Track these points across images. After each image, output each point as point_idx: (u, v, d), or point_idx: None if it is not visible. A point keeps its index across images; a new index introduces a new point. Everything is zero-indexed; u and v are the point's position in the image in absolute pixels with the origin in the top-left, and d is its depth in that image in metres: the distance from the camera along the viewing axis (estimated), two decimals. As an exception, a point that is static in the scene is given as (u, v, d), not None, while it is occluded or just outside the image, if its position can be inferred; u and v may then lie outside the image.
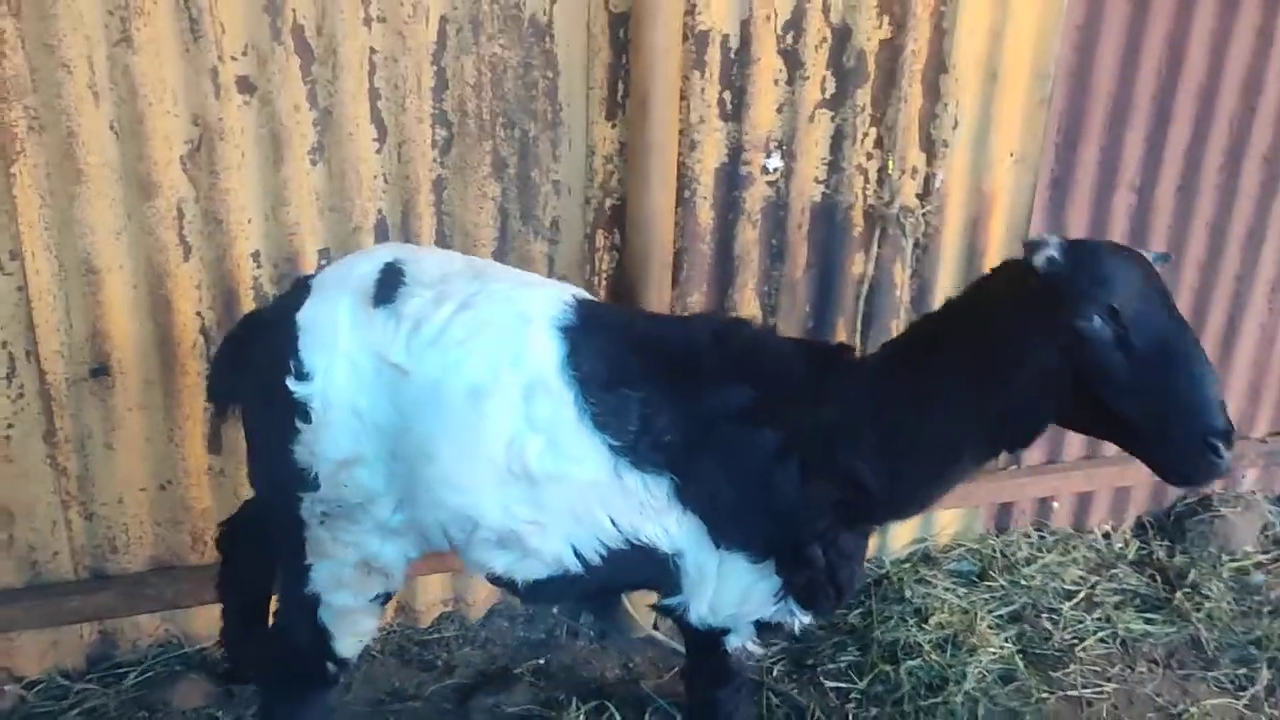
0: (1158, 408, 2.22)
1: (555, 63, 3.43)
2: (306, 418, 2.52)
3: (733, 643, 2.83)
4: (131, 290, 3.27)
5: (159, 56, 3.08)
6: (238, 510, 3.30)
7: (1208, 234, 4.41)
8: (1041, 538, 4.62)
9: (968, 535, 4.53)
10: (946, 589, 4.21)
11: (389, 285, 2.57)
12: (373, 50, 3.26)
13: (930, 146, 3.88)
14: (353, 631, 2.77)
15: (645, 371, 2.53)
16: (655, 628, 3.92)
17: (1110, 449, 4.60)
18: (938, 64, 3.79)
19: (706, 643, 2.87)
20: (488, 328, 2.52)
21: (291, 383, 2.51)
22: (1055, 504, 4.63)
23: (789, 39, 3.61)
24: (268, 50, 3.16)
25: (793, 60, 3.63)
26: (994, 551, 4.44)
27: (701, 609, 2.69)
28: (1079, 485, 4.54)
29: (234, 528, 3.26)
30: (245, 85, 3.19)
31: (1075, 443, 4.55)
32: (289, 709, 2.93)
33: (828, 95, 3.72)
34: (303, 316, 2.57)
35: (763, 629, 2.82)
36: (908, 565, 4.36)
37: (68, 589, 3.47)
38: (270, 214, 3.31)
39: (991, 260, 4.09)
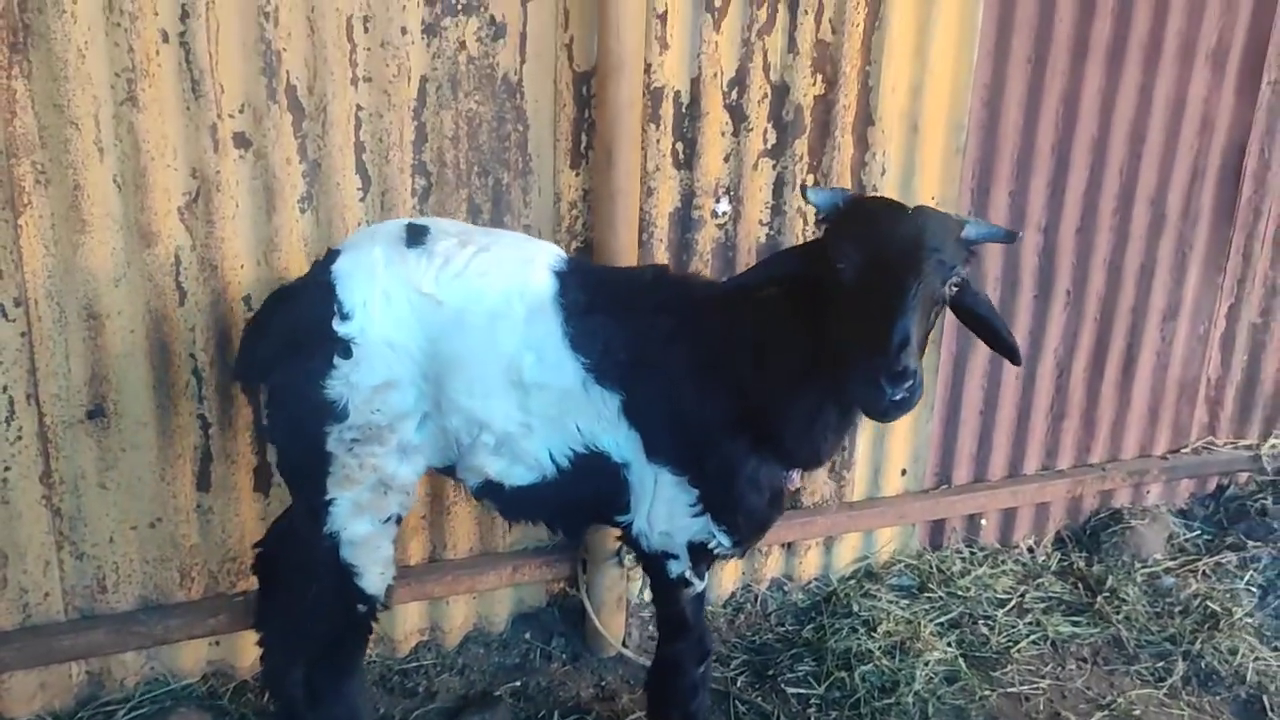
0: (851, 342, 2.53)
1: (525, 117, 3.74)
2: (347, 353, 2.89)
3: (673, 568, 3.17)
4: (129, 335, 3.43)
5: (162, 115, 3.29)
6: (269, 531, 3.50)
7: (1105, 270, 4.88)
8: (972, 553, 4.97)
9: (905, 552, 4.86)
10: (890, 601, 4.52)
11: (417, 234, 3.02)
12: (359, 107, 3.52)
13: (861, 191, 4.27)
14: (374, 560, 3.07)
15: (608, 304, 3.00)
16: (624, 645, 4.15)
17: (1030, 466, 5.01)
18: (866, 117, 4.20)
19: (657, 573, 3.22)
20: (502, 265, 3.00)
21: (336, 323, 2.87)
22: (983, 521, 4.99)
23: (734, 95, 3.98)
24: (263, 108, 3.40)
25: (738, 114, 4.00)
26: (930, 566, 4.78)
27: (641, 522, 3.10)
28: (1004, 502, 4.91)
29: (269, 549, 3.46)
30: (241, 140, 3.41)
31: (999, 462, 4.94)
32: (327, 673, 3.14)
33: (769, 145, 4.09)
34: (338, 267, 2.97)
35: (696, 554, 3.15)
36: (853, 582, 4.67)
37: (58, 629, 3.55)
38: (262, 259, 3.52)
39: (919, 295, 4.48)
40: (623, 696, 3.95)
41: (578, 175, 3.84)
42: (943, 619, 4.47)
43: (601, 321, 2.97)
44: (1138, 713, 4.02)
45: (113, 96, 3.24)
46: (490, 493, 3.14)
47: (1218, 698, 4.16)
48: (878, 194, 4.15)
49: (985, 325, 2.90)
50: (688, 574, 3.20)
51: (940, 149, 4.36)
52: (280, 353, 2.96)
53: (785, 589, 4.63)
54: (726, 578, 4.54)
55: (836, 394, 2.84)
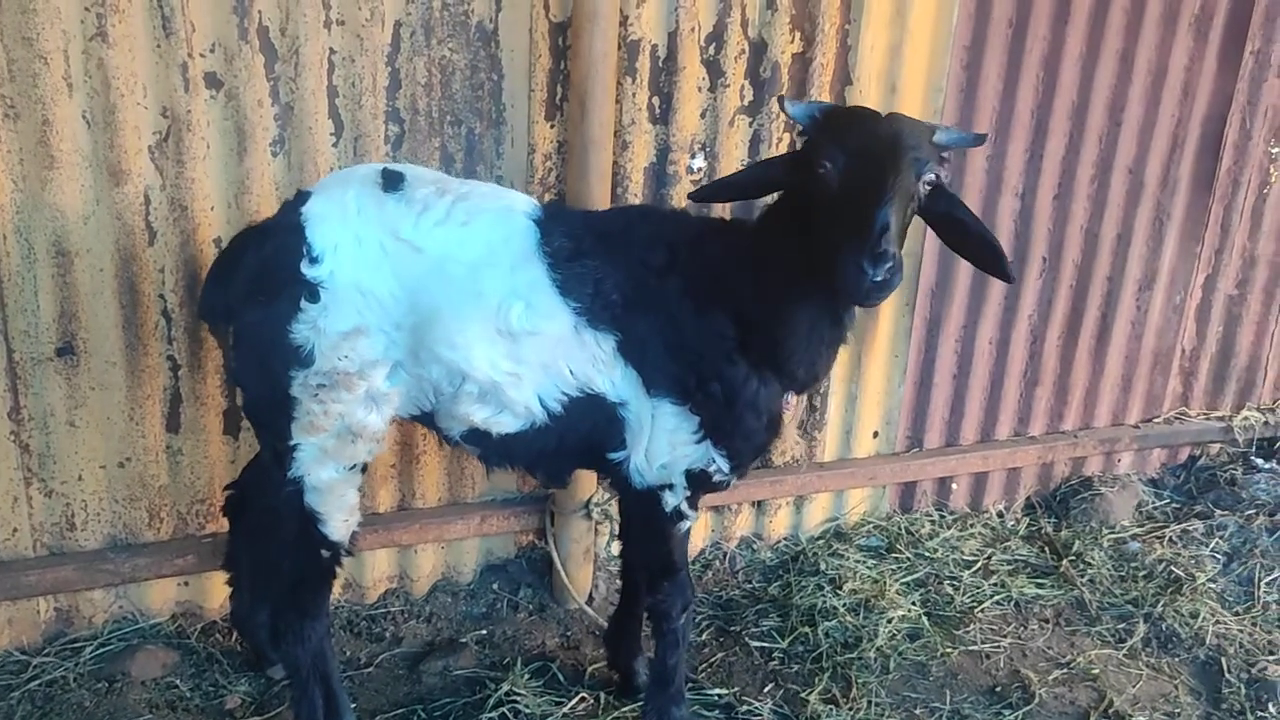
0: (836, 233, 2.63)
1: (500, 66, 3.73)
2: (314, 297, 2.86)
3: (669, 500, 3.18)
4: (98, 273, 3.44)
5: (132, 51, 3.29)
6: (241, 473, 3.53)
7: (1082, 238, 4.89)
8: (942, 516, 5.01)
9: (875, 514, 4.90)
10: (858, 561, 4.56)
11: (394, 180, 3.00)
12: (332, 51, 3.51)
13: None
14: (338, 507, 3.07)
15: (595, 247, 3.01)
16: (590, 601, 4.19)
17: (1002, 432, 5.04)
18: (843, 76, 4.20)
19: (650, 509, 3.21)
20: (483, 214, 2.99)
21: (304, 266, 2.85)
22: (954, 484, 5.03)
23: (711, 50, 3.97)
24: (235, 48, 3.39)
25: (715, 70, 4.00)
26: (899, 528, 4.82)
27: (639, 458, 3.12)
28: (975, 466, 4.95)
29: (240, 491, 3.49)
30: (213, 81, 3.41)
31: (971, 427, 4.97)
32: (292, 615, 3.14)
33: (746, 102, 4.09)
34: (309, 210, 2.94)
35: (694, 484, 3.18)
36: (821, 541, 4.71)
37: (26, 565, 3.59)
38: (233, 202, 3.53)
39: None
40: (587, 647, 3.99)
41: (552, 127, 3.84)
42: (909, 579, 4.51)
43: (591, 265, 2.99)
44: (1096, 671, 4.06)
45: (82, 31, 3.23)
46: (476, 440, 3.14)
47: (1176, 659, 4.21)
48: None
49: (965, 231, 2.94)
50: (683, 506, 3.22)
51: (918, 111, 4.35)
52: (246, 294, 2.94)
53: (754, 547, 4.67)
54: (696, 535, 4.57)
55: (828, 303, 2.93)
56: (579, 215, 3.22)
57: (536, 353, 2.97)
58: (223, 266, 3.05)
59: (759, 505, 4.66)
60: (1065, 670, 4.08)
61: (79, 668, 3.62)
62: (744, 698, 3.76)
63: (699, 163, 4.07)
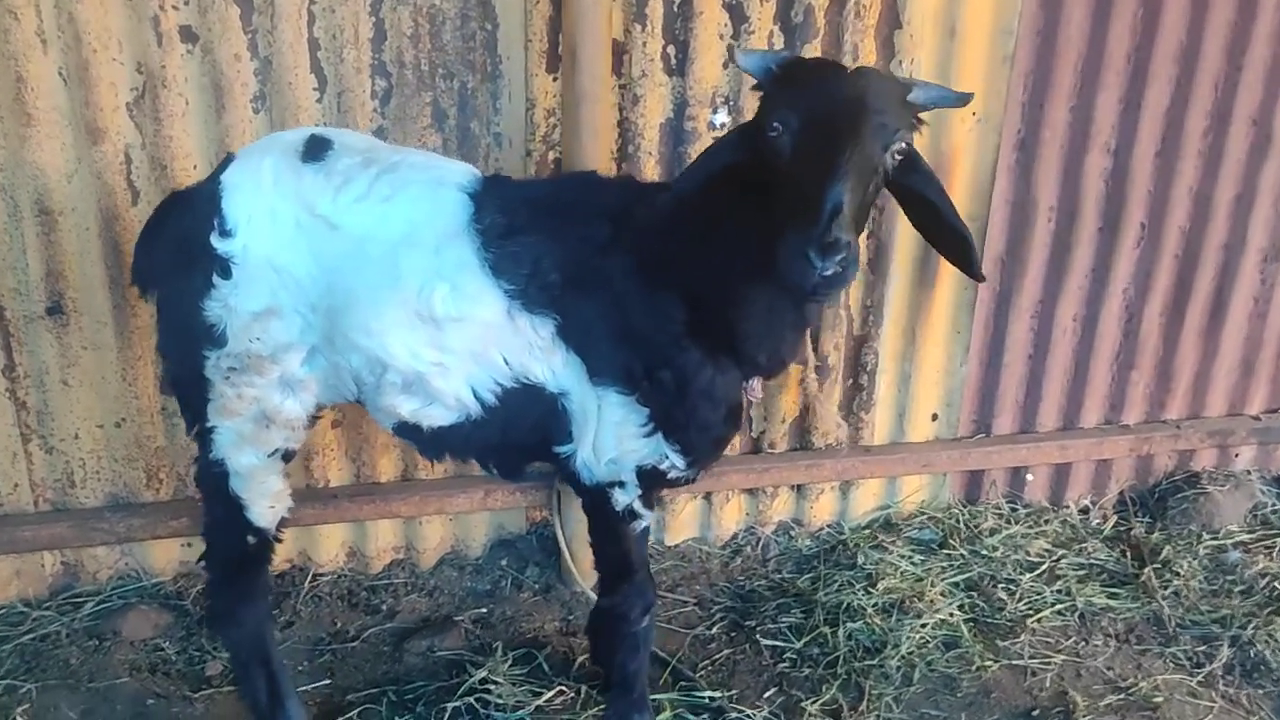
0: (782, 214, 2.29)
1: (494, 14, 3.47)
2: (226, 272, 2.69)
3: (620, 499, 2.91)
4: (83, 232, 3.41)
5: (103, 4, 3.20)
6: None
7: (1191, 200, 4.26)
8: (1013, 509, 4.52)
9: (934, 504, 4.46)
10: (902, 556, 4.16)
11: (317, 148, 2.78)
12: (311, 1, 3.34)
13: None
14: (261, 494, 2.92)
15: (532, 222, 2.72)
16: (595, 586, 3.96)
17: (1089, 419, 4.51)
18: (891, 19, 3.74)
19: (601, 507, 2.96)
20: (409, 188, 2.74)
21: (215, 239, 2.68)
22: (1029, 475, 4.53)
23: (733, -7, 3.61)
24: (208, 1, 3.26)
25: (738, 14, 3.61)
26: (958, 521, 4.37)
27: (586, 451, 2.85)
28: (1052, 456, 4.44)
29: None
30: (187, 34, 3.29)
31: (1050, 412, 4.45)
32: (225, 598, 3.04)
33: (775, 46, 3.69)
34: (228, 176, 2.75)
35: (646, 482, 2.90)
36: (866, 532, 4.33)
37: (26, 520, 3.63)
38: (214, 160, 3.40)
39: (952, 222, 4.03)
40: (585, 634, 3.77)
41: (555, 80, 3.56)
42: (957, 579, 4.08)
43: (527, 242, 2.70)
44: (1159, 700, 3.57)
45: (52, -15, 3.17)
46: (408, 433, 2.94)
47: (1260, 691, 3.65)
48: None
49: (935, 215, 2.58)
50: (636, 505, 2.95)
51: (983, 57, 3.86)
52: (166, 263, 2.80)
53: (792, 534, 4.33)
54: (729, 518, 4.28)
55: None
56: (520, 186, 2.92)
57: (464, 340, 2.72)
58: (149, 232, 2.90)
59: (799, 489, 4.31)
60: (1122, 696, 3.59)
61: (76, 623, 3.67)
62: (738, 703, 3.47)
63: (721, 118, 3.72)
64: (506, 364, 2.75)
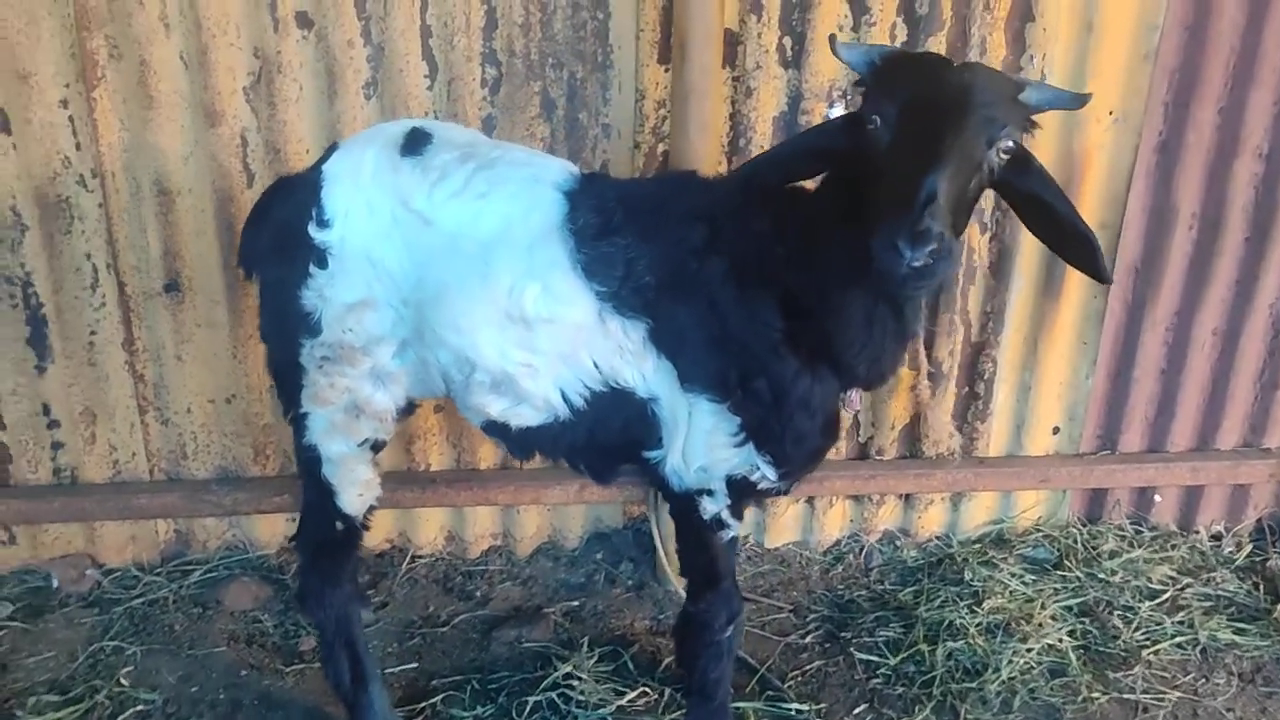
0: (877, 203, 2.18)
1: (606, 3, 3.41)
2: (323, 263, 2.71)
3: (709, 507, 2.84)
4: (199, 213, 3.50)
5: (222, -10, 3.27)
6: None
7: (1355, 211, 3.94)
8: (1138, 532, 4.27)
9: (1051, 521, 4.25)
10: (1013, 574, 3.97)
11: (417, 141, 2.76)
12: (424, -12, 3.34)
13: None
14: (351, 481, 2.93)
15: (627, 223, 2.64)
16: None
17: (1226, 441, 4.22)
18: (1023, 11, 3.53)
19: (689, 514, 2.89)
20: (505, 185, 2.70)
21: (312, 229, 2.70)
22: (1157, 497, 4.27)
23: (855, -18, 3.46)
24: (324, -14, 3.30)
25: (858, 5, 3.47)
26: (1075, 541, 4.15)
27: (675, 458, 2.77)
28: (1182, 478, 4.17)
29: None
30: (303, 20, 3.33)
31: (1182, 431, 4.18)
32: (314, 580, 3.08)
33: (898, 43, 3.54)
34: (328, 167, 2.77)
35: (736, 492, 2.82)
36: (977, 546, 4.14)
37: (140, 488, 3.77)
38: (326, 146, 3.42)
39: (1082, 227, 3.81)
40: (677, 633, 3.72)
41: (666, 71, 3.48)
42: (1070, 602, 3.86)
43: (621, 243, 2.63)
44: (1284, 750, 3.33)
45: (174, -29, 3.24)
46: (496, 431, 2.91)
47: (1399, 749, 3.38)
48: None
49: (1053, 216, 2.40)
50: (724, 514, 2.87)
51: (1123, 53, 3.61)
52: (268, 249, 2.83)
53: (898, 544, 4.18)
54: (832, 523, 4.16)
55: (889, 294, 2.48)
56: (618, 185, 2.83)
57: (554, 342, 2.67)
58: (255, 216, 2.94)
59: (907, 498, 4.16)
60: (1242, 741, 3.37)
61: (183, 590, 3.80)
62: (825, 717, 3.36)
63: (838, 111, 3.57)
64: (596, 367, 2.69)
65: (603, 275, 2.62)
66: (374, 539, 3.99)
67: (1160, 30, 3.60)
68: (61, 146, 3.37)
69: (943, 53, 3.51)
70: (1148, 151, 3.76)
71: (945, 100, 2.19)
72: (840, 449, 4.02)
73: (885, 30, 3.51)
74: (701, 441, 2.72)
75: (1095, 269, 2.41)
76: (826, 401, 2.68)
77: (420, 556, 4.02)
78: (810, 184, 2.58)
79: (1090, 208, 3.78)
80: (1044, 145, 3.66)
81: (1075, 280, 3.87)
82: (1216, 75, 3.69)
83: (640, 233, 2.64)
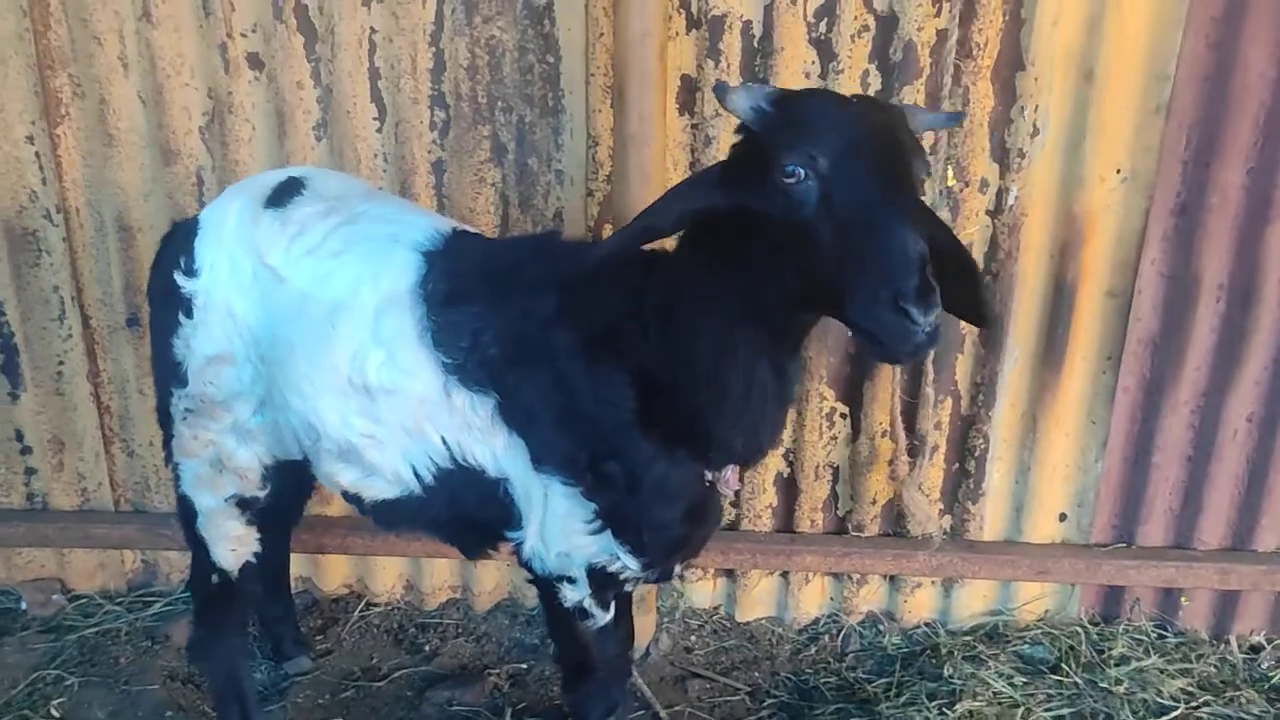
0: (850, 269, 1.91)
1: (556, 47, 3.29)
2: (190, 312, 2.66)
3: (570, 595, 2.65)
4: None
5: (176, 31, 3.30)
6: None
7: None
8: (1160, 637, 3.81)
9: (1057, 618, 3.84)
10: (1000, 674, 3.58)
11: (285, 193, 2.70)
12: (371, 30, 3.29)
13: (1004, 157, 3.32)
14: (222, 536, 2.87)
15: (477, 290, 2.49)
16: (645, 657, 3.68)
17: (1265, 541, 3.74)
18: (1013, 59, 3.23)
19: (551, 601, 2.71)
20: (360, 244, 2.58)
21: (180, 277, 2.66)
22: (1185, 599, 3.81)
23: (822, 27, 3.22)
24: (272, 28, 3.28)
25: (826, 51, 3.24)
26: (1080, 642, 3.73)
27: (535, 542, 2.59)
28: (1210, 580, 3.70)
29: None
30: (254, 61, 3.33)
31: (1212, 528, 3.72)
32: (203, 629, 3.05)
33: (871, 91, 3.28)
34: (204, 215, 2.73)
35: (598, 580, 2.61)
36: (967, 639, 3.77)
37: (101, 518, 3.82)
38: (277, 186, 3.44)
39: (1084, 294, 3.44)
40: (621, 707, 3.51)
41: (622, 116, 3.33)
42: (1062, 711, 3.46)
43: (470, 311, 2.47)
44: None
45: (132, 11, 3.29)
46: (354, 501, 2.77)
47: None
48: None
49: (942, 256, 2.10)
50: (587, 603, 2.67)
51: (1131, 106, 3.26)
52: (153, 293, 2.81)
53: (880, 628, 3.85)
54: (809, 600, 3.87)
55: (769, 353, 2.26)
56: (481, 247, 2.67)
57: (397, 414, 2.52)
58: (154, 259, 2.90)
59: (892, 579, 3.84)
60: None
61: (139, 622, 3.81)
62: (749, 818, 3.10)
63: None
64: (444, 443, 2.52)
65: (449, 345, 2.46)
66: (331, 583, 3.94)
67: (1172, 80, 3.23)
68: (28, 181, 3.46)
69: (922, 99, 3.25)
70: (1164, 214, 3.38)
71: (884, 143, 1.98)
72: (817, 521, 3.74)
73: (856, 78, 3.26)
74: (558, 527, 2.52)
75: (978, 303, 2.14)
76: (688, 487, 2.46)
77: (375, 605, 3.93)
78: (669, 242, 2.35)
79: (1096, 274, 3.42)
80: (1041, 206, 3.36)
81: (1079, 352, 3.50)
82: (1243, 133, 3.29)
83: (490, 300, 2.47)
